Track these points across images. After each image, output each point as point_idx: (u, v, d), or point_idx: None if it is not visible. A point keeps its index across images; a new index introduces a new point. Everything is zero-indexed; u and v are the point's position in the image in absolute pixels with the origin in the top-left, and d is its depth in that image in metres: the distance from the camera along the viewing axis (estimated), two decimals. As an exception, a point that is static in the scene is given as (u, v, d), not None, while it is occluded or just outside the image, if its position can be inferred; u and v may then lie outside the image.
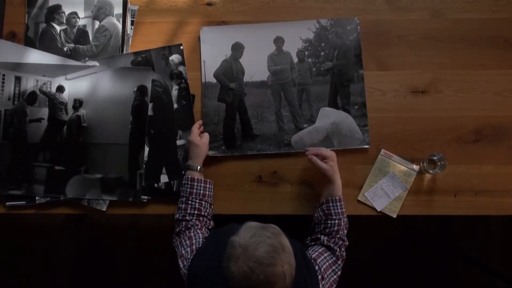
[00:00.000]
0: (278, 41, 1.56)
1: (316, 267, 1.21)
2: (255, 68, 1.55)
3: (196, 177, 1.37)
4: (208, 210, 1.36)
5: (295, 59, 1.55)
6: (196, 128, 1.45)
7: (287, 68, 1.55)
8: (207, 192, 1.37)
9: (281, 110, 1.53)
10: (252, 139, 1.52)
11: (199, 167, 1.40)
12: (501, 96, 1.53)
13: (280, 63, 1.55)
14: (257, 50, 1.55)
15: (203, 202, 1.35)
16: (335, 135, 1.50)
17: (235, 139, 1.51)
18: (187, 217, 1.33)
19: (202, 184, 1.37)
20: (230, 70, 1.54)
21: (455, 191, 1.48)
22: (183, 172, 1.46)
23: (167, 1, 1.60)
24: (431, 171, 1.45)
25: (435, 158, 1.44)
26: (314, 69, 1.55)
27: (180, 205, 1.36)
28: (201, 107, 1.53)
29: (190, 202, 1.34)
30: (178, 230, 1.33)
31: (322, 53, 1.56)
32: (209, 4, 1.59)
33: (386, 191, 1.48)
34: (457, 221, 2.42)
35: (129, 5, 1.59)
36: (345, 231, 1.35)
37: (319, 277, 1.20)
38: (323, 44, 1.56)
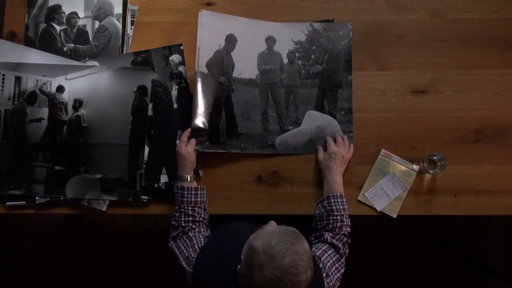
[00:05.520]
0: (270, 40, 1.55)
1: (321, 265, 1.21)
2: (245, 64, 1.53)
3: (186, 186, 1.36)
4: (202, 215, 1.36)
5: (285, 60, 1.54)
6: (184, 137, 1.42)
7: (277, 68, 1.54)
8: (198, 199, 1.37)
9: (267, 110, 1.52)
10: (236, 137, 1.50)
11: (189, 177, 1.39)
12: (501, 96, 1.53)
13: (270, 62, 1.54)
14: (249, 46, 1.54)
15: (196, 209, 1.35)
16: (319, 139, 1.50)
17: (219, 136, 1.50)
18: (182, 224, 1.33)
19: (193, 192, 1.36)
20: (221, 63, 1.52)
21: (455, 191, 1.48)
22: (173, 183, 1.44)
23: (167, 1, 1.60)
24: (431, 171, 1.45)
25: (435, 158, 1.44)
26: (303, 71, 1.54)
27: (175, 213, 1.37)
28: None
29: (183, 210, 1.35)
30: (174, 234, 1.35)
31: (312, 56, 1.55)
32: (209, 4, 1.59)
33: (386, 191, 1.48)
34: (457, 221, 2.42)
35: (129, 5, 1.59)
36: (349, 229, 1.35)
37: (324, 274, 1.20)
38: (314, 47, 1.55)
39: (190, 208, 1.34)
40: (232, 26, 1.54)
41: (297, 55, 1.54)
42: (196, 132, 1.44)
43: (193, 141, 1.42)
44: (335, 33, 1.55)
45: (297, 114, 1.52)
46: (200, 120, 1.45)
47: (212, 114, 1.49)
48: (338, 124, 1.51)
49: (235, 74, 1.52)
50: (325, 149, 1.48)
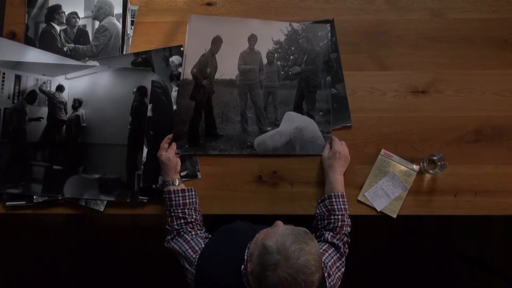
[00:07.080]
0: (252, 39, 1.54)
1: (322, 265, 1.21)
2: (227, 65, 1.53)
3: (172, 189, 1.36)
4: (194, 216, 1.35)
5: (265, 61, 1.54)
6: (164, 144, 1.44)
7: (256, 69, 1.53)
8: (187, 201, 1.36)
9: (246, 112, 1.52)
10: (215, 138, 1.50)
11: (176, 181, 1.39)
12: (501, 96, 1.53)
13: (250, 62, 1.53)
14: (233, 46, 1.53)
15: (186, 210, 1.35)
16: (297, 140, 1.50)
17: (198, 138, 1.50)
18: (176, 227, 1.33)
19: (180, 194, 1.36)
20: (205, 67, 1.52)
21: (455, 191, 1.48)
22: (161, 189, 1.44)
23: (167, 1, 1.60)
24: (431, 171, 1.45)
25: (435, 158, 1.44)
26: (282, 72, 1.54)
27: (167, 218, 1.37)
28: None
29: (173, 214, 1.35)
30: (169, 238, 1.35)
31: (291, 57, 1.54)
32: (209, 4, 1.59)
33: (386, 191, 1.48)
34: (457, 221, 2.42)
35: (129, 5, 1.58)
36: (349, 229, 1.36)
37: (325, 274, 1.20)
38: (293, 48, 1.54)
39: (180, 211, 1.34)
40: (219, 27, 1.54)
41: (276, 55, 1.54)
42: (177, 136, 1.47)
43: (174, 145, 1.45)
44: (314, 34, 1.55)
45: (275, 115, 1.52)
46: (181, 125, 1.48)
47: (193, 117, 1.49)
48: (316, 125, 1.51)
49: (217, 75, 1.52)
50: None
